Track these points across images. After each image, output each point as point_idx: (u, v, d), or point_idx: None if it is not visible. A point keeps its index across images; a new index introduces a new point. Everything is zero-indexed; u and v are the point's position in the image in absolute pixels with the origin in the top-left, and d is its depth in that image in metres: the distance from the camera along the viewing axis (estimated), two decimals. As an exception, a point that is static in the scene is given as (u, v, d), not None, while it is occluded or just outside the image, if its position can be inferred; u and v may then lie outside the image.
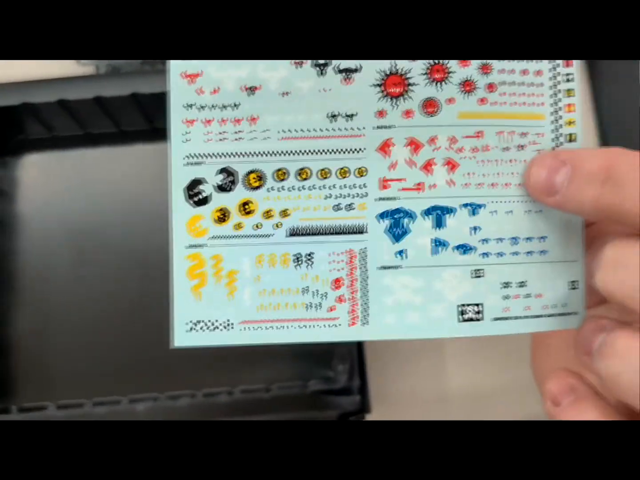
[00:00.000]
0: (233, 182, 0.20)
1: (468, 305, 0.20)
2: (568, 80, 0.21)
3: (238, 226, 0.20)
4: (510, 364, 0.32)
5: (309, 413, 0.30)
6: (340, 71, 0.20)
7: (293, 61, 0.20)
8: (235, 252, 0.20)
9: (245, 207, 0.20)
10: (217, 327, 0.20)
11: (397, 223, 0.20)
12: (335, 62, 0.20)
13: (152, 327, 0.22)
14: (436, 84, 0.20)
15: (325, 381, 0.32)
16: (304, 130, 0.20)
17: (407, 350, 0.35)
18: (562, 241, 0.21)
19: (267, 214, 0.20)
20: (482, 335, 0.20)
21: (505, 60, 0.20)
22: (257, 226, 0.20)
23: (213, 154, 0.20)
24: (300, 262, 0.20)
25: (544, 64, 0.21)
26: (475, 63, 0.20)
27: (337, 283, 0.20)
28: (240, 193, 0.20)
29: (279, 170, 0.20)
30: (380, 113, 0.20)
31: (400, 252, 0.20)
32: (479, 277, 0.21)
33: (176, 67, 0.20)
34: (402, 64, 0.20)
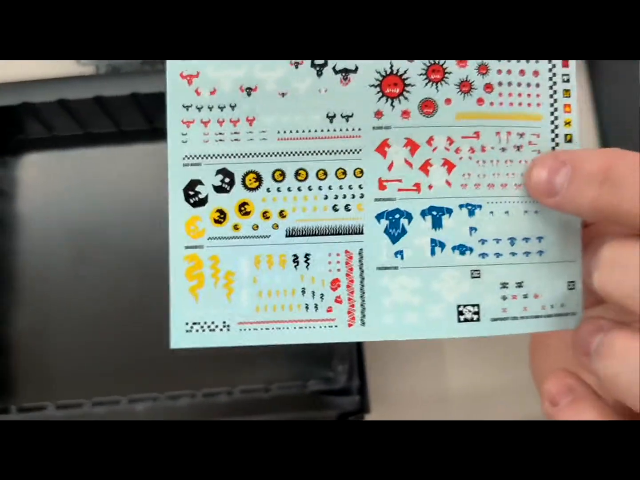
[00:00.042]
0: (231, 183, 0.20)
1: (466, 305, 0.20)
2: (565, 81, 0.21)
3: (236, 227, 0.20)
4: (509, 364, 0.32)
5: (309, 413, 0.30)
6: (338, 72, 0.20)
7: (291, 61, 0.20)
8: (233, 253, 0.20)
9: (243, 208, 0.20)
10: (215, 328, 0.20)
11: (395, 224, 0.20)
12: (332, 63, 0.20)
13: (151, 327, 0.22)
14: (434, 84, 0.20)
15: (325, 381, 0.32)
16: (302, 131, 0.20)
17: (406, 351, 0.35)
18: (559, 241, 0.21)
19: (265, 215, 0.20)
20: (480, 335, 0.20)
21: (503, 61, 0.20)
22: (254, 227, 0.20)
23: (211, 154, 0.20)
24: (298, 263, 0.20)
25: (542, 65, 0.21)
26: (472, 64, 0.20)
27: (335, 284, 0.20)
28: (238, 194, 0.20)
29: (276, 170, 0.20)
30: (378, 113, 0.20)
31: (398, 253, 0.20)
32: (477, 277, 0.21)
33: (174, 68, 0.20)
34: (400, 65, 0.20)
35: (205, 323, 0.20)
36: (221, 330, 0.20)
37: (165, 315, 0.20)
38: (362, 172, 0.20)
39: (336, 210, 0.20)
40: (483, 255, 0.21)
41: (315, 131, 0.20)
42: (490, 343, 0.31)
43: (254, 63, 0.20)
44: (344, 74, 0.20)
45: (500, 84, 0.20)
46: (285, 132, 0.20)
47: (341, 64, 0.20)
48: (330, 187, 0.20)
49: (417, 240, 0.20)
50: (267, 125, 0.20)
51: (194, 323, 0.20)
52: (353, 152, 0.20)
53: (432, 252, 0.20)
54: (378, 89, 0.20)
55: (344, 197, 0.20)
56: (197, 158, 0.20)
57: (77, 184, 0.36)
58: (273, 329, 0.20)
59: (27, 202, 0.36)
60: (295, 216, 0.20)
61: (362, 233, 0.20)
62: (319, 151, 0.20)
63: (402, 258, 0.20)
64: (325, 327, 0.20)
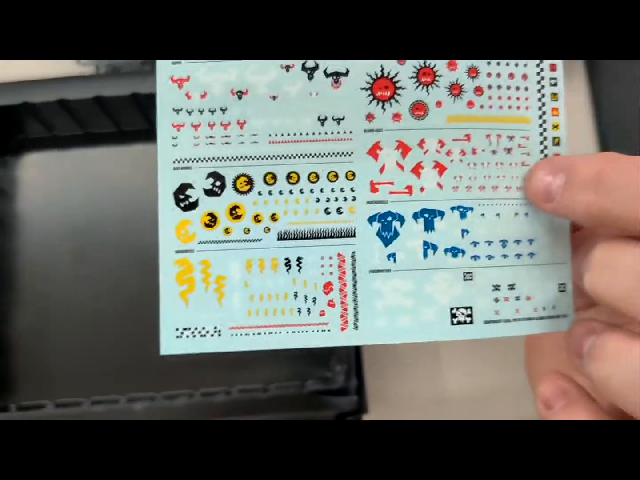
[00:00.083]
0: (222, 187, 0.20)
1: (459, 308, 0.20)
2: (553, 85, 0.21)
3: (227, 231, 0.20)
4: (508, 366, 0.32)
5: (307, 413, 0.30)
6: (329, 75, 0.20)
7: (282, 65, 0.20)
8: (224, 257, 0.20)
9: (234, 212, 0.20)
10: (207, 334, 0.20)
11: (387, 226, 0.20)
12: (323, 66, 0.20)
13: (151, 326, 0.22)
14: (425, 87, 0.20)
15: (323, 381, 0.32)
16: (293, 134, 0.20)
17: (404, 352, 0.35)
18: (549, 244, 0.21)
19: (257, 219, 0.20)
20: (474, 338, 0.20)
21: (492, 64, 0.21)
22: (246, 231, 0.20)
23: (202, 158, 0.20)
24: (290, 267, 0.20)
25: (530, 69, 0.21)
26: (462, 67, 0.20)
27: (327, 287, 0.20)
28: (229, 197, 0.20)
29: (268, 174, 0.20)
30: (369, 116, 0.20)
31: (391, 256, 0.20)
32: (469, 280, 0.20)
33: (164, 71, 0.20)
34: (390, 68, 0.20)
35: (196, 329, 0.20)
36: (212, 335, 0.20)
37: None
38: (354, 174, 0.20)
39: (328, 213, 0.20)
40: (475, 257, 0.20)
41: (307, 134, 0.20)
42: (488, 344, 0.31)
43: (245, 67, 0.20)
44: (334, 77, 0.20)
45: (490, 87, 0.20)
46: (276, 135, 0.20)
47: (332, 67, 0.20)
48: (322, 190, 0.20)
49: (410, 243, 0.20)
50: (259, 128, 0.20)
51: (185, 328, 0.20)
52: (345, 155, 0.20)
53: (425, 255, 0.20)
54: (369, 92, 0.20)
55: (336, 200, 0.20)
56: (188, 162, 0.20)
57: (77, 183, 0.36)
58: (265, 333, 0.20)
59: (27, 201, 0.36)
60: (287, 219, 0.20)
61: (354, 236, 0.20)
62: (310, 154, 0.20)
63: (394, 261, 0.20)
64: (318, 331, 0.20)
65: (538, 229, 0.21)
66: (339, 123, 0.20)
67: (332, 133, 0.20)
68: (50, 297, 0.35)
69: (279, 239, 0.20)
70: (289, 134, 0.20)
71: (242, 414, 0.31)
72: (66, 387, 0.34)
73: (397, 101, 0.20)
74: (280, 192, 0.20)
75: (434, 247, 0.20)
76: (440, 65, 0.20)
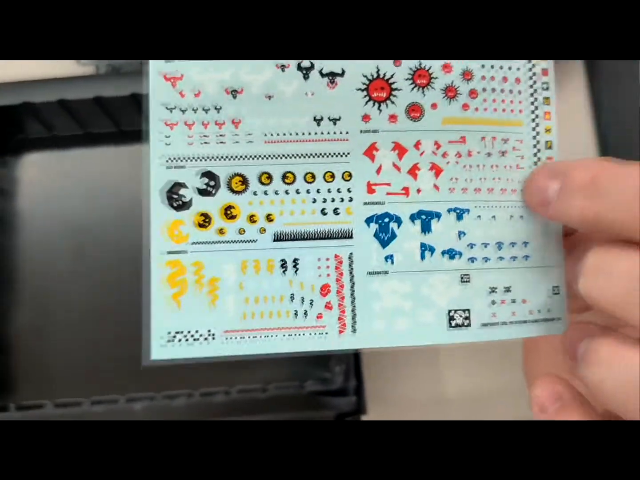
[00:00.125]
0: (216, 186, 0.20)
1: (457, 311, 0.20)
2: (545, 89, 0.21)
3: (221, 231, 0.20)
4: (507, 367, 0.32)
5: (306, 413, 0.31)
6: (325, 75, 0.20)
7: (277, 64, 0.20)
8: (218, 258, 0.20)
9: (229, 212, 0.20)
10: (200, 337, 0.20)
11: (384, 228, 0.20)
12: (319, 66, 0.20)
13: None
14: (420, 89, 0.20)
15: (322, 382, 0.32)
16: (289, 134, 0.20)
17: (403, 352, 0.35)
18: (543, 247, 0.21)
19: (252, 219, 0.20)
20: (471, 341, 0.20)
21: (486, 67, 0.21)
22: (241, 231, 0.20)
23: (195, 157, 0.20)
24: (286, 268, 0.20)
25: (523, 72, 0.21)
26: (457, 69, 0.20)
27: (324, 289, 0.20)
28: (223, 197, 0.20)
29: (263, 173, 0.20)
30: (366, 117, 0.20)
31: (389, 257, 0.20)
32: (466, 282, 0.20)
33: (156, 69, 0.20)
34: (386, 69, 0.20)
35: (189, 332, 0.20)
36: (205, 339, 0.20)
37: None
38: (350, 175, 0.20)
39: (325, 214, 0.20)
40: (472, 259, 0.20)
41: (303, 134, 0.20)
42: (487, 344, 0.31)
43: (239, 66, 0.20)
44: (330, 78, 0.20)
45: (484, 90, 0.20)
46: (272, 134, 0.20)
47: (327, 67, 0.20)
48: (318, 191, 0.20)
49: (407, 245, 0.20)
50: (254, 127, 0.20)
51: (177, 332, 0.20)
52: (341, 156, 0.20)
53: (422, 257, 0.20)
54: (365, 92, 0.20)
55: (333, 200, 0.20)
56: (181, 160, 0.20)
57: (77, 183, 0.37)
58: (261, 337, 0.20)
59: (27, 201, 0.36)
60: (282, 220, 0.20)
61: (351, 237, 0.20)
62: (306, 154, 0.20)
63: (392, 262, 0.20)
64: (315, 334, 0.20)
65: (532, 231, 0.21)
66: (335, 123, 0.20)
67: (328, 133, 0.20)
68: (50, 296, 0.35)
69: (274, 240, 0.20)
70: (284, 134, 0.20)
71: (241, 414, 0.31)
72: (66, 386, 0.34)
73: (393, 102, 0.20)
74: (276, 192, 0.20)
75: (431, 249, 0.20)
76: (435, 67, 0.20)
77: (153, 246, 0.20)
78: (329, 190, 0.20)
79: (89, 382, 0.34)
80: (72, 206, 0.36)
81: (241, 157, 0.20)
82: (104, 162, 0.37)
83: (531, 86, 0.21)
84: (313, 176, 0.20)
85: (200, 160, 0.20)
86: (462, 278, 0.20)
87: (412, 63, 0.20)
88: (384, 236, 0.20)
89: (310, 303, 0.20)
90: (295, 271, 0.20)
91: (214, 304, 0.20)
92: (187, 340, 0.20)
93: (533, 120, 0.21)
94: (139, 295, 0.34)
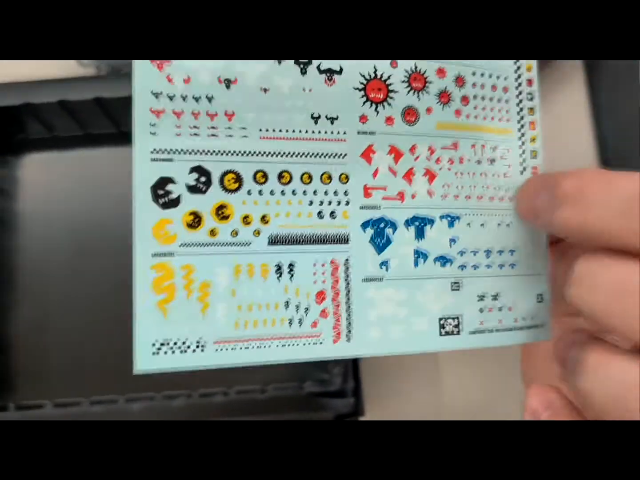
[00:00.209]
0: (207, 183, 0.18)
1: (447, 318, 0.20)
2: (530, 99, 0.21)
3: (212, 232, 0.18)
4: (506, 369, 0.32)
5: (304, 414, 0.31)
6: (322, 71, 0.19)
7: None
8: (209, 261, 0.18)
9: (221, 212, 0.18)
10: (188, 349, 0.18)
11: (380, 233, 0.20)
12: (317, 62, 0.19)
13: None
14: (416, 92, 0.20)
15: (320, 383, 0.32)
16: (285, 131, 0.19)
17: (401, 355, 0.35)
18: (529, 255, 0.21)
19: (246, 220, 0.19)
20: (460, 348, 0.20)
21: (477, 75, 0.21)
22: (234, 233, 0.18)
23: (184, 150, 0.18)
24: (281, 274, 0.19)
25: (510, 81, 0.21)
26: (450, 75, 0.20)
27: (320, 296, 0.19)
28: (215, 195, 0.18)
29: (258, 172, 0.19)
30: (363, 118, 0.20)
31: (384, 264, 0.20)
32: (456, 290, 0.20)
33: None
34: (383, 70, 0.20)
35: (176, 344, 0.18)
36: (194, 350, 0.18)
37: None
38: (347, 177, 0.19)
39: (321, 217, 0.19)
40: (462, 267, 0.20)
41: (300, 132, 0.19)
42: (486, 348, 0.31)
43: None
44: (328, 74, 0.19)
45: (475, 97, 0.21)
46: (267, 130, 0.19)
47: (325, 63, 0.19)
48: (315, 192, 0.19)
49: (402, 251, 0.20)
50: (248, 121, 0.19)
51: (163, 343, 0.18)
52: (338, 157, 0.19)
53: (416, 264, 0.20)
54: (362, 92, 0.20)
55: (329, 203, 0.19)
56: (168, 153, 0.18)
57: (77, 183, 0.37)
58: (253, 347, 0.18)
59: (27, 201, 0.36)
60: (278, 222, 0.19)
61: (347, 242, 0.19)
62: (303, 153, 0.19)
63: (387, 269, 0.20)
64: (309, 343, 0.19)
65: (519, 240, 0.21)
66: (332, 122, 0.19)
67: (325, 132, 0.19)
68: (50, 296, 0.35)
69: (269, 243, 0.19)
70: (281, 130, 0.19)
71: (240, 414, 0.31)
72: (65, 386, 0.34)
73: (389, 104, 0.20)
74: (272, 192, 0.19)
75: (424, 256, 0.20)
76: (430, 71, 0.20)
77: (137, 247, 0.18)
78: (325, 193, 0.19)
79: (88, 382, 0.34)
80: (72, 206, 0.36)
81: (235, 152, 0.18)
82: (104, 163, 0.37)
83: (517, 96, 0.21)
84: (310, 177, 0.19)
85: (191, 153, 0.18)
86: (452, 285, 0.20)
87: (408, 65, 0.20)
88: (380, 241, 0.20)
89: (306, 310, 0.19)
90: (291, 277, 0.19)
91: (204, 311, 0.18)
92: (173, 352, 0.18)
93: (519, 129, 0.21)
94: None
